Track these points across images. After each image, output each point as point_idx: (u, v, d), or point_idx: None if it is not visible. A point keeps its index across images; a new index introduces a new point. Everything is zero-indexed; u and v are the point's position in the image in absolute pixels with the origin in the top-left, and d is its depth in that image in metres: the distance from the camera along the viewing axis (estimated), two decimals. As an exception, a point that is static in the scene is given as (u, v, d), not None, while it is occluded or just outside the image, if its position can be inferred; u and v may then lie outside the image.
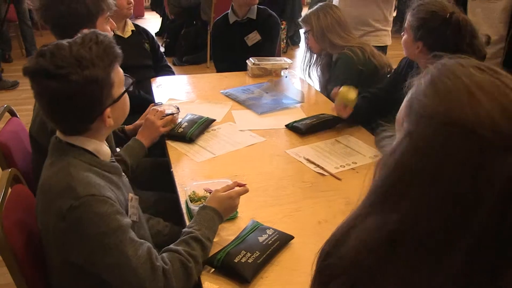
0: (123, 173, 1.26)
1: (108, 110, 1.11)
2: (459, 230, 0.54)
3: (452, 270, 0.54)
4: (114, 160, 1.24)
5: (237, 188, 1.29)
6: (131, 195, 1.23)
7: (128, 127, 1.90)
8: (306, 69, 2.50)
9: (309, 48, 2.46)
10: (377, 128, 1.91)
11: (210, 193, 1.43)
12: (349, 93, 1.88)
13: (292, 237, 1.28)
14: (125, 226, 1.06)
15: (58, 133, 1.14)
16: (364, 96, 2.06)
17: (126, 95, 1.18)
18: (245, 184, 1.31)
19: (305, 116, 2.11)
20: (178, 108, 1.95)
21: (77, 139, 1.13)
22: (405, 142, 0.60)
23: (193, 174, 1.64)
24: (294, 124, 2.00)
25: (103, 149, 1.17)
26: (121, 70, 1.15)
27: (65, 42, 1.06)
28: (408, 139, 0.60)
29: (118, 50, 1.11)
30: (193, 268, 1.11)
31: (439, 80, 0.59)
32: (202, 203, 1.39)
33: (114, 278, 1.05)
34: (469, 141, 0.53)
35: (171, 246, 1.16)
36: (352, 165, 1.72)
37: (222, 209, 1.25)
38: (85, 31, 1.10)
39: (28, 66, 1.04)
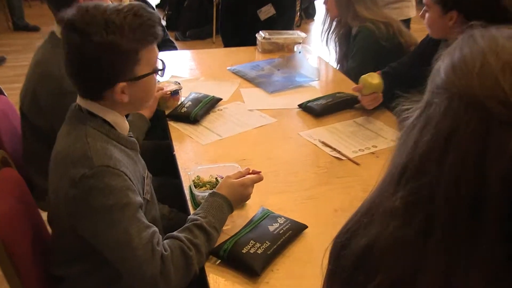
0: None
1: (124, 85, 1.13)
2: (479, 213, 0.53)
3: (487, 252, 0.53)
4: (131, 135, 1.27)
5: (251, 176, 1.29)
6: (147, 171, 1.27)
7: None
8: (324, 36, 2.44)
9: (327, 10, 2.41)
10: (398, 107, 1.89)
11: (218, 179, 1.43)
12: (372, 78, 1.85)
13: (305, 227, 1.28)
14: (135, 204, 1.09)
15: (78, 99, 1.18)
16: (385, 71, 2.04)
17: (153, 80, 1.20)
18: (259, 172, 1.31)
19: (320, 95, 2.10)
20: (179, 86, 1.95)
21: (97, 107, 1.16)
22: (422, 116, 0.60)
23: (198, 157, 1.64)
24: (308, 104, 1.99)
25: (122, 122, 1.21)
26: (157, 52, 1.18)
27: (105, 4, 1.10)
28: (425, 113, 0.59)
29: (159, 30, 1.14)
30: (193, 257, 1.12)
31: (459, 50, 0.57)
32: (207, 188, 1.39)
33: (113, 255, 1.09)
34: (477, 114, 0.52)
35: (174, 233, 1.17)
36: (372, 149, 1.71)
37: (233, 197, 1.25)
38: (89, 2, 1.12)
39: (64, 15, 1.09)
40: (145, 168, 1.30)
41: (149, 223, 1.12)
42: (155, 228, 1.12)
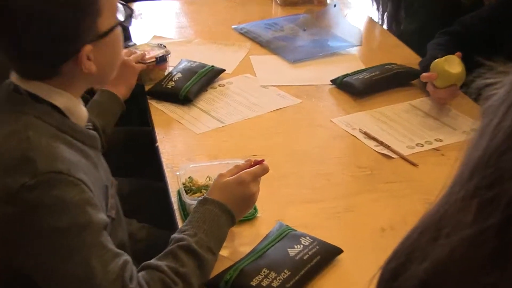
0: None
1: (89, 48, 1.13)
2: None
3: None
4: (91, 126, 1.28)
5: (250, 169, 1.29)
6: (112, 178, 1.27)
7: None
8: None
9: None
10: (478, 81, 1.87)
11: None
12: (451, 65, 1.82)
13: (340, 251, 1.28)
14: (97, 225, 1.09)
15: (14, 77, 1.16)
16: (447, 31, 2.03)
17: (121, 35, 1.21)
18: (262, 160, 1.30)
19: (362, 67, 2.08)
20: (166, 50, 1.95)
21: (42, 87, 1.15)
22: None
23: (190, 151, 1.64)
24: (345, 79, 1.99)
25: (78, 108, 1.21)
26: None
27: None
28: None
29: None
30: None
31: None
32: (203, 195, 1.39)
33: None
34: None
35: (152, 260, 1.17)
36: (435, 144, 1.71)
37: (232, 202, 1.25)
38: None
39: None
40: (109, 173, 1.30)
41: (118, 250, 1.11)
42: (127, 257, 1.12)
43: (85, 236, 1.06)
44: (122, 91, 1.74)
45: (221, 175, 1.28)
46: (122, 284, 1.07)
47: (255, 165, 1.29)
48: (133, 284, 1.09)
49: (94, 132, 1.26)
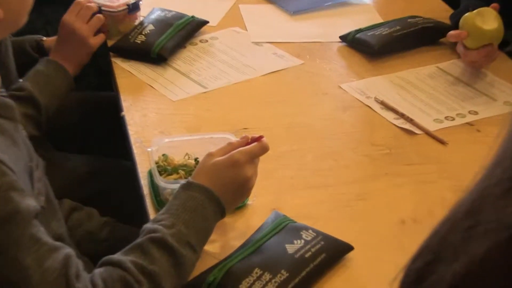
0: (20, 121, 1.26)
1: None
2: None
3: None
4: (4, 93, 1.25)
5: (247, 147, 1.29)
6: (36, 158, 1.24)
7: (50, 39, 1.89)
8: None
9: None
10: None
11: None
12: (485, 20, 1.81)
13: (350, 248, 1.28)
14: (25, 213, 1.08)
15: None
16: None
17: None
18: (261, 137, 1.30)
19: (380, 21, 2.09)
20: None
21: None
22: None
23: (164, 123, 1.64)
24: (358, 35, 2.00)
25: None
26: None
27: None
28: None
29: None
30: None
31: None
32: (181, 177, 1.40)
33: None
34: None
35: (115, 255, 1.17)
36: (469, 117, 1.72)
37: (223, 189, 1.25)
38: None
39: None
40: (32, 151, 1.28)
41: (55, 243, 1.11)
42: (68, 250, 1.12)
43: (11, 228, 1.05)
44: (71, 66, 1.74)
45: (209, 155, 1.28)
46: (66, 284, 1.07)
47: (252, 143, 1.30)
48: (81, 283, 1.08)
49: (9, 100, 1.23)
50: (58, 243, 1.12)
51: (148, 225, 1.21)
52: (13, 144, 1.18)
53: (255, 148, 1.28)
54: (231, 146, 1.29)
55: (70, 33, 1.78)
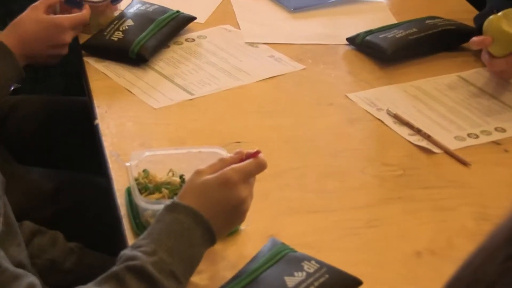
0: None
1: None
2: None
3: None
4: None
5: (242, 164, 1.30)
6: None
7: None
8: None
9: None
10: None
11: (186, 179, 1.45)
12: (511, 25, 1.81)
13: (358, 282, 1.29)
14: None
15: None
16: None
17: None
18: (257, 152, 1.31)
19: (394, 21, 2.10)
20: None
21: None
22: None
23: (144, 133, 1.65)
24: (368, 37, 2.01)
25: None
26: None
27: None
28: None
29: None
30: None
31: None
32: (163, 196, 1.41)
33: None
34: None
35: (87, 286, 1.17)
36: (496, 135, 1.73)
37: (213, 212, 1.25)
38: None
39: None
40: None
41: (17, 270, 1.12)
42: (31, 279, 1.13)
43: None
44: (22, 51, 1.73)
45: (198, 172, 1.29)
46: None
47: (247, 159, 1.30)
48: None
49: None
50: (20, 270, 1.13)
51: (126, 252, 1.21)
52: None
53: (251, 165, 1.29)
54: (223, 163, 1.30)
55: (43, 19, 1.78)
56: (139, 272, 1.17)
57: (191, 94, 1.80)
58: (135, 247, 1.22)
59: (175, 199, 1.28)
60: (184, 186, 1.30)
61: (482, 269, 0.66)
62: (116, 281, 1.16)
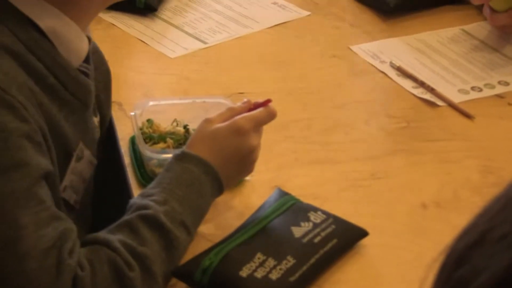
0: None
1: None
2: None
3: None
4: (87, 67, 1.30)
5: (251, 113, 1.30)
6: (83, 147, 1.29)
7: None
8: None
9: None
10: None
11: (191, 130, 1.44)
12: None
13: (364, 233, 1.29)
14: (35, 169, 1.10)
15: None
16: None
17: None
18: (268, 101, 1.32)
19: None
20: None
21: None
22: None
23: (148, 84, 1.65)
24: (371, -12, 2.00)
25: (76, 38, 1.24)
26: None
27: None
28: None
29: None
30: (136, 280, 1.13)
31: None
32: (168, 146, 1.41)
33: None
34: None
35: (101, 233, 1.18)
36: (499, 88, 1.73)
37: (223, 161, 1.26)
38: None
39: None
40: (90, 145, 1.34)
41: (59, 212, 1.13)
42: (71, 225, 1.14)
43: (16, 178, 1.08)
44: None
45: (207, 121, 1.29)
46: (57, 258, 1.08)
47: (255, 109, 1.30)
48: (73, 260, 1.10)
49: (87, 80, 1.28)
50: (63, 214, 1.14)
51: (136, 200, 1.22)
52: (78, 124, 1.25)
53: (262, 114, 1.30)
54: (232, 112, 1.30)
55: None
56: (152, 221, 1.18)
57: (205, 42, 1.81)
58: (145, 195, 1.22)
59: (184, 148, 1.28)
60: (193, 135, 1.31)
61: (498, 217, 0.66)
62: (129, 230, 1.17)
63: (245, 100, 1.34)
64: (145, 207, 1.19)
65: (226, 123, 1.27)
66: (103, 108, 1.46)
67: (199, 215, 1.24)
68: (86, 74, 1.29)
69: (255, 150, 1.29)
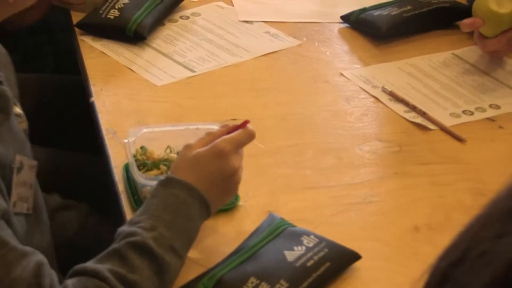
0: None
1: None
2: None
3: None
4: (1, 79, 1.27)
5: (230, 135, 1.30)
6: (20, 158, 1.26)
7: None
8: None
9: None
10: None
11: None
12: (499, 2, 1.78)
13: (357, 256, 1.30)
14: None
15: None
16: None
17: None
18: (246, 122, 1.32)
19: (388, -1, 2.11)
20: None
21: None
22: None
23: (141, 111, 1.65)
24: (362, 15, 2.01)
25: None
26: None
27: None
28: None
29: None
30: None
31: None
32: (163, 172, 1.41)
33: None
34: None
35: (89, 263, 1.18)
36: (490, 112, 1.73)
37: (207, 184, 1.26)
38: None
39: None
40: (26, 150, 1.32)
41: (25, 248, 1.13)
42: (40, 257, 1.13)
43: None
44: None
45: (188, 147, 1.29)
46: None
47: (234, 131, 1.31)
48: None
49: (3, 88, 1.26)
50: (28, 249, 1.13)
51: (124, 228, 1.22)
52: None
53: (241, 135, 1.30)
54: (211, 136, 1.30)
55: None
56: (141, 248, 1.17)
57: (193, 71, 1.80)
58: (133, 223, 1.22)
59: (168, 173, 1.29)
60: (175, 162, 1.31)
61: (478, 235, 0.67)
62: (118, 258, 1.17)
63: (223, 124, 1.35)
64: (133, 234, 1.19)
65: (207, 147, 1.28)
66: (13, 90, 1.43)
67: (188, 238, 1.24)
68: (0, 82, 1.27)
69: (237, 171, 1.29)
